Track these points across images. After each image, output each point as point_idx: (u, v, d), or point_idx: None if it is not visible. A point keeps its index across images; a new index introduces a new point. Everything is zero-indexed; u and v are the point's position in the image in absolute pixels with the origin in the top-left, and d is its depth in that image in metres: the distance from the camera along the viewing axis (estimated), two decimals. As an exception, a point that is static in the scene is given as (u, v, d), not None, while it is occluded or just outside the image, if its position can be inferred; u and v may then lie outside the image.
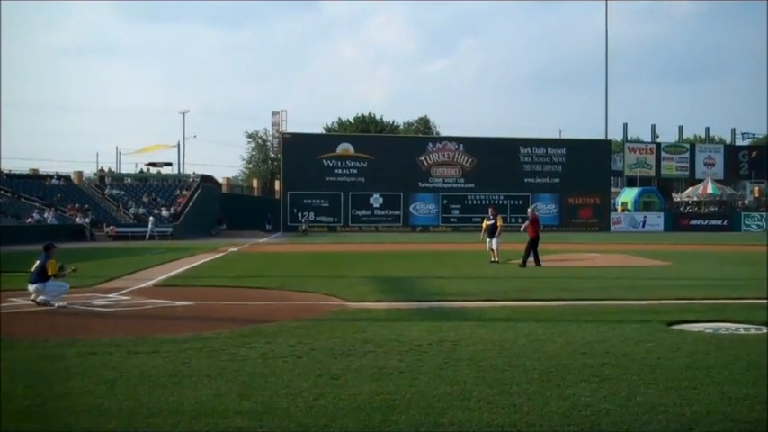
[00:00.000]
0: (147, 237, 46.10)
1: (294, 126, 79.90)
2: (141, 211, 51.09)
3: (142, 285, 16.92)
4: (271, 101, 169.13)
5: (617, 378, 7.24)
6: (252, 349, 8.74)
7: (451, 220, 61.93)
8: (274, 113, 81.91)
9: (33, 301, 13.15)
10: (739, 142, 75.97)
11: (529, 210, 23.78)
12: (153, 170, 63.73)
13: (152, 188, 57.02)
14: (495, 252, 23.34)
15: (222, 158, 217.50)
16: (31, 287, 13.27)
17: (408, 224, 61.50)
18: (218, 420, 5.82)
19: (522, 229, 23.70)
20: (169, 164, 67.08)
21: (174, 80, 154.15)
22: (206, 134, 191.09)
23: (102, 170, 63.46)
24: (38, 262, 13.48)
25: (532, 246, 22.15)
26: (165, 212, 50.77)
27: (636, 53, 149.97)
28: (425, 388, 6.83)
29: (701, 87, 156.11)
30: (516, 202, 61.61)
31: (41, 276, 13.24)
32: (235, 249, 33.40)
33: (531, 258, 21.96)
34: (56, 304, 13.01)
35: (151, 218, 48.53)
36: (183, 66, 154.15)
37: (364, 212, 61.45)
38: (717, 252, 30.73)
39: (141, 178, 60.95)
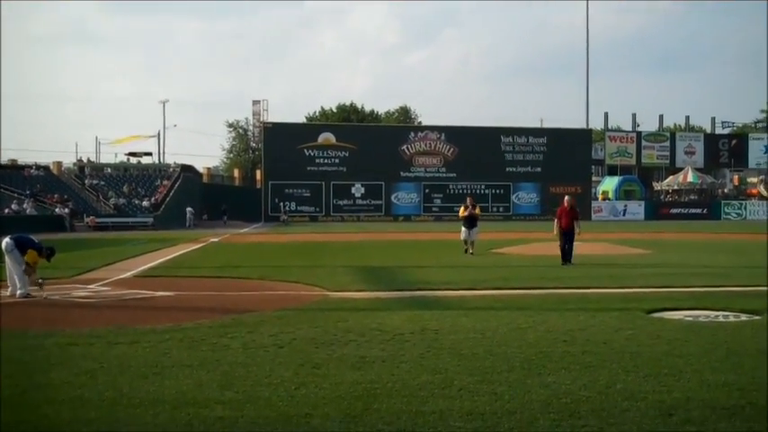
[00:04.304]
0: (187, 225, 48.20)
1: (275, 116, 79.56)
2: (121, 201, 50.75)
3: (122, 276, 16.80)
4: (252, 90, 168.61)
5: (597, 366, 7.28)
6: (233, 339, 8.71)
7: (433, 209, 61.86)
8: (255, 103, 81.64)
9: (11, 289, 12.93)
10: (719, 131, 76.29)
11: (566, 198, 21.90)
12: (133, 160, 63.21)
13: (132, 178, 56.52)
14: (472, 243, 22.51)
15: (203, 148, 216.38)
16: (7, 241, 13.00)
17: (390, 214, 61.44)
18: (199, 410, 5.80)
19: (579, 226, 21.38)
20: (149, 153, 66.72)
21: (154, 69, 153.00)
22: (186, 124, 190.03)
23: (81, 160, 62.91)
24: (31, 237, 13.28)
25: (565, 239, 20.35)
26: (145, 203, 50.45)
27: (616, 43, 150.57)
28: (407, 377, 6.84)
29: (681, 77, 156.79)
30: (498, 191, 61.86)
31: (21, 245, 12.92)
32: (215, 240, 33.27)
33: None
34: (24, 290, 12.79)
35: (189, 208, 49.88)
36: (162, 55, 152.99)
37: (346, 202, 61.34)
38: (697, 240, 30.93)
39: (121, 168, 60.40)
